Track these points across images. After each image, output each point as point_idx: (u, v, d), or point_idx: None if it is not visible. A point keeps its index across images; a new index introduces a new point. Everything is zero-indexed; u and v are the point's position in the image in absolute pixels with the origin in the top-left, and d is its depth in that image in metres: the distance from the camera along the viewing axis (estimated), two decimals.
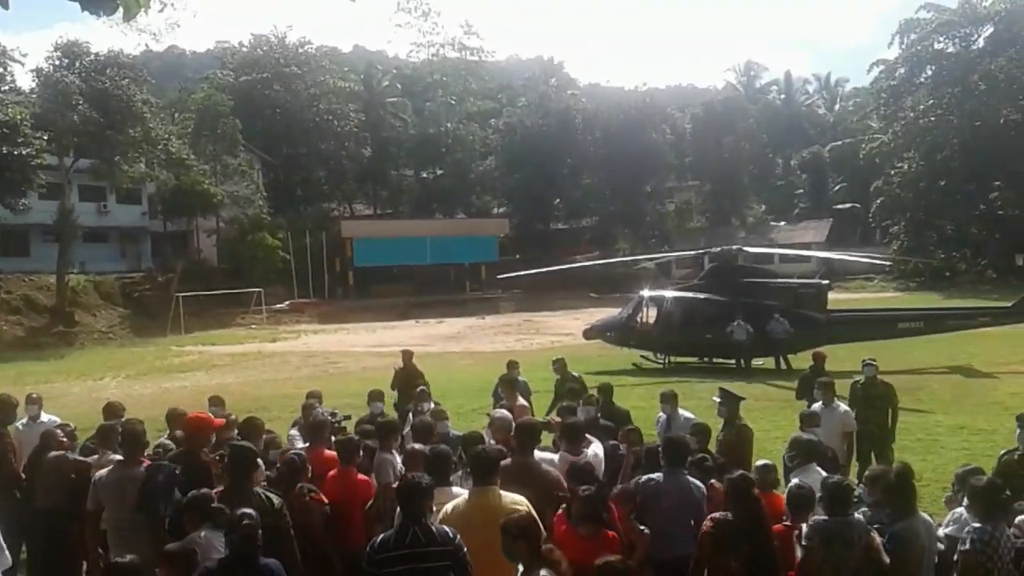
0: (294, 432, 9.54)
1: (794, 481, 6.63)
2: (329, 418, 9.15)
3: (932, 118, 58.38)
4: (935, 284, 54.40)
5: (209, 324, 43.43)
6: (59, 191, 41.92)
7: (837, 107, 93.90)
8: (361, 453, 7.73)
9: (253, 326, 44.60)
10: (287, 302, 49.49)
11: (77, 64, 41.61)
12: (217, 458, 7.40)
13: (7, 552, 6.12)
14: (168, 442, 8.17)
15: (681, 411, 9.90)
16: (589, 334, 26.89)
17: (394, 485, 6.91)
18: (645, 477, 6.79)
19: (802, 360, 19.78)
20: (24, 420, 9.40)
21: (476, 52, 73.99)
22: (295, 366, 28.70)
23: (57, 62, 41.72)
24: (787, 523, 6.04)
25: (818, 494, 6.00)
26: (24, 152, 37.53)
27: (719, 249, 26.73)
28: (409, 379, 13.79)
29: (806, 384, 12.13)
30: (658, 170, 70.05)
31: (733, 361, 23.92)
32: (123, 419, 8.28)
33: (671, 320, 24.73)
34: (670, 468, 6.64)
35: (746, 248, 29.27)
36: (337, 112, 63.85)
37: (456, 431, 8.88)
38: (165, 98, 62.16)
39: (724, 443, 8.90)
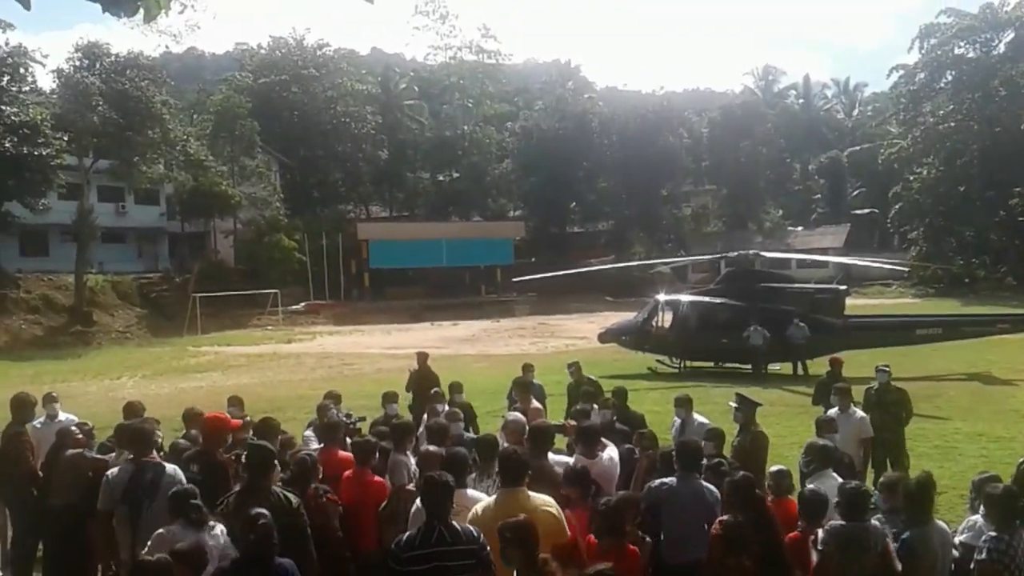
0: (309, 433, 9.56)
1: (808, 486, 6.60)
2: (344, 419, 9.18)
3: (952, 123, 58.00)
4: (954, 290, 54.05)
5: (225, 325, 43.66)
6: (78, 191, 42.27)
7: (856, 112, 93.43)
8: (377, 455, 7.75)
9: (269, 327, 44.79)
10: (303, 303, 49.67)
11: (97, 65, 42.00)
12: (233, 458, 7.45)
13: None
14: (183, 442, 8.21)
15: (696, 416, 9.84)
16: (604, 338, 26.78)
17: (409, 487, 6.94)
18: (659, 481, 6.77)
19: (819, 366, 19.69)
20: (42, 419, 9.42)
21: (493, 55, 73.99)
22: (310, 367, 28.78)
23: (77, 63, 42.11)
24: (801, 528, 6.01)
25: (833, 500, 5.97)
26: (44, 152, 37.83)
27: (736, 254, 26.68)
28: (424, 381, 13.80)
29: (823, 390, 12.05)
30: (675, 174, 69.83)
31: (749, 366, 23.80)
32: (142, 419, 8.35)
33: (687, 324, 24.61)
34: (684, 472, 6.62)
35: (763, 253, 29.20)
36: (354, 114, 64.01)
37: (470, 433, 8.89)
38: (184, 99, 62.61)
39: (739, 449, 8.82)
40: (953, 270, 55.84)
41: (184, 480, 6.70)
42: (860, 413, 10.33)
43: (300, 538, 5.89)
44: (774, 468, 7.03)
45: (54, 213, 42.34)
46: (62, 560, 7.80)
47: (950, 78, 60.26)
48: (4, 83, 38.81)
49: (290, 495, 6.11)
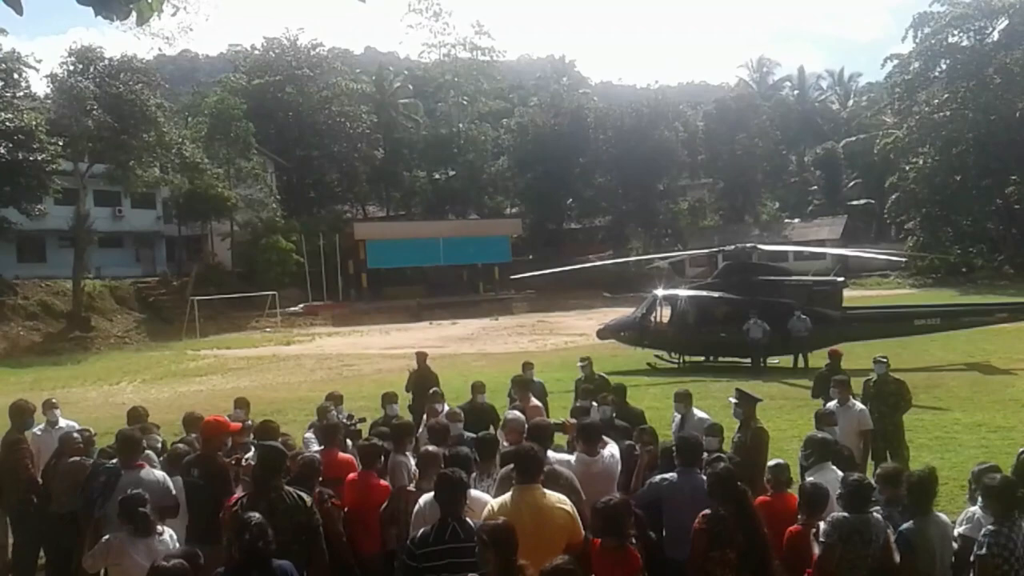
0: (309, 435, 9.56)
1: (808, 479, 6.61)
2: (345, 421, 9.18)
3: (947, 112, 57.91)
4: (951, 280, 54.12)
5: (224, 328, 43.64)
6: (74, 196, 42.15)
7: (851, 103, 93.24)
8: (383, 459, 7.74)
9: (268, 329, 44.77)
10: (301, 305, 49.64)
11: (91, 69, 41.83)
12: (234, 462, 7.45)
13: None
14: (181, 446, 8.22)
15: (695, 411, 9.86)
16: (603, 334, 26.74)
17: (409, 487, 6.94)
18: (659, 477, 6.79)
19: (817, 358, 19.70)
20: (42, 425, 9.42)
21: (487, 52, 73.87)
22: (309, 369, 28.77)
23: (71, 67, 41.93)
24: (802, 521, 6.02)
25: (834, 492, 5.97)
26: (39, 158, 37.74)
27: (733, 247, 26.59)
28: (423, 381, 13.80)
29: (822, 382, 12.05)
30: (671, 168, 69.74)
31: (748, 360, 23.78)
32: (135, 426, 8.37)
33: (685, 319, 24.58)
34: (684, 468, 6.64)
35: (760, 246, 29.18)
36: (349, 114, 63.95)
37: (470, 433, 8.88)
38: (179, 102, 62.60)
39: (739, 446, 8.78)
40: (950, 259, 55.93)
41: (173, 488, 6.85)
42: (859, 405, 10.33)
43: (315, 536, 5.95)
44: (772, 462, 7.02)
45: (51, 219, 42.29)
46: (64, 568, 7.80)
47: (944, 67, 60.13)
48: None
49: (304, 495, 6.12)
